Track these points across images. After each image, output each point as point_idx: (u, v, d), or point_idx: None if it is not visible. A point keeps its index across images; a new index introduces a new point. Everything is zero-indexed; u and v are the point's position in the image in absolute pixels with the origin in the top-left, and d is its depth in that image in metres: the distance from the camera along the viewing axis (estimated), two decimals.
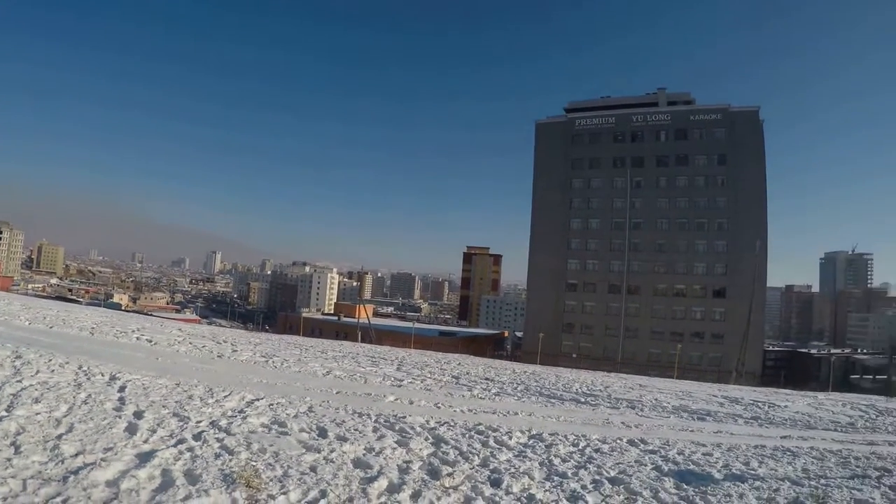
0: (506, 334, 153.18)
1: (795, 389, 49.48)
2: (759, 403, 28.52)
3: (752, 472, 12.11)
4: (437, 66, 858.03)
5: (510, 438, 13.09)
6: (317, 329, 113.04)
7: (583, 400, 23.96)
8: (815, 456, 14.80)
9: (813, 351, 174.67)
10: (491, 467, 10.36)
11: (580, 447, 13.03)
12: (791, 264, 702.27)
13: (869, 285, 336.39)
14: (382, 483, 8.62)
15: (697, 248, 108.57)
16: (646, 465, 11.77)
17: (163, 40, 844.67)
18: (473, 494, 8.63)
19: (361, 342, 66.62)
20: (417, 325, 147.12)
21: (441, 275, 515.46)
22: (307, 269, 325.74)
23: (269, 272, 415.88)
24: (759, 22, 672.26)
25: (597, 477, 10.38)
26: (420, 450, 11.08)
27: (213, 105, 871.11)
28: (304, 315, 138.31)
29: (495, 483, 9.36)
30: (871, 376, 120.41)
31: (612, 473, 10.78)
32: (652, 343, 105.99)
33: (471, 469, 10.12)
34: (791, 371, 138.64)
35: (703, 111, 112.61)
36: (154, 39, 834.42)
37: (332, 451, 10.12)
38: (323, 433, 11.51)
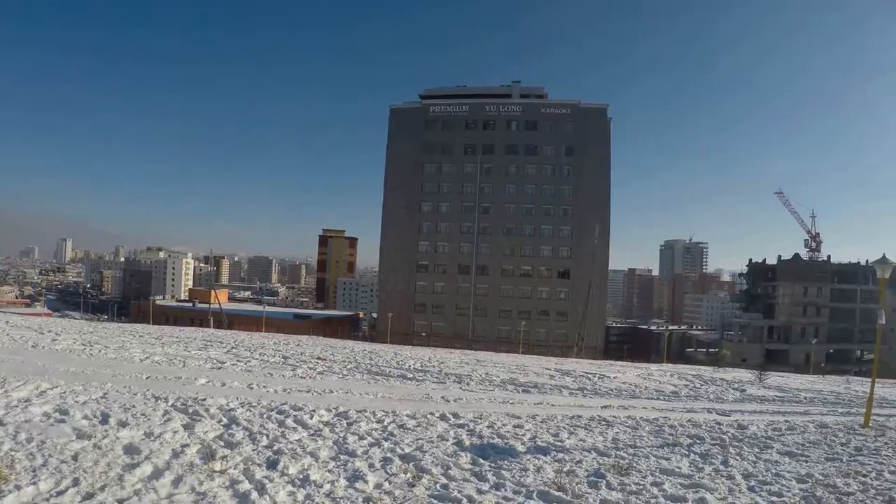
0: (361, 315, 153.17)
1: (635, 362, 51.01)
2: (590, 375, 28.76)
3: (559, 443, 11.53)
4: (292, 40, 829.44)
5: (311, 418, 12.06)
6: (171, 317, 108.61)
7: (410, 376, 23.39)
8: (630, 425, 14.44)
9: (653, 327, 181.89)
10: (276, 448, 9.38)
11: (385, 424, 12.16)
12: (634, 250, 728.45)
13: (704, 270, 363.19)
14: (146, 469, 7.68)
15: (544, 232, 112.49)
16: (447, 440, 11.01)
17: None
18: (242, 477, 7.71)
19: (215, 328, 64.44)
20: (274, 308, 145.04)
21: (299, 258, 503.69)
22: (161, 254, 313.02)
23: (122, 259, 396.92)
24: (610, 22, 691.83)
25: (389, 455, 9.53)
26: (205, 433, 10.04)
27: (46, 85, 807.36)
28: (156, 303, 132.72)
29: (272, 465, 8.41)
30: (704, 349, 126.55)
31: (407, 450, 9.95)
32: (501, 321, 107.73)
33: (253, 451, 9.14)
34: (633, 345, 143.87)
35: (554, 105, 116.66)
36: None
37: (104, 438, 9.01)
38: (105, 419, 10.31)
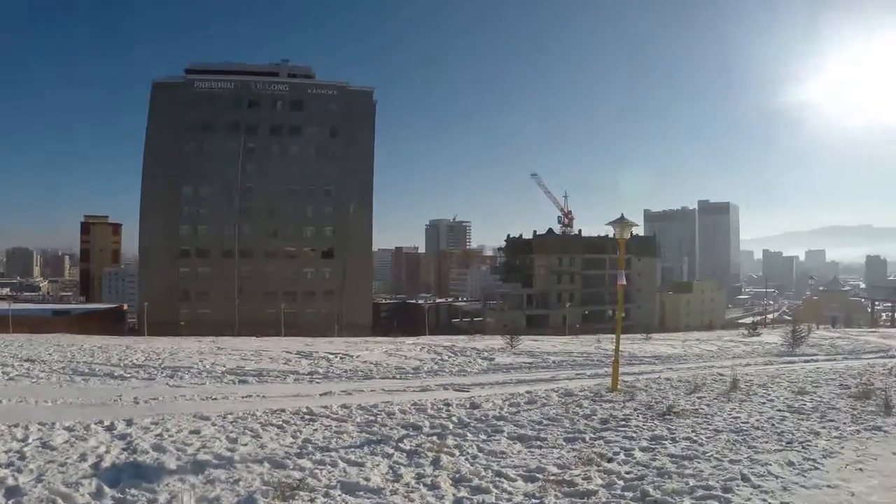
0: (125, 307, 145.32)
1: (404, 335, 50.50)
2: (332, 356, 27.06)
3: (229, 453, 8.79)
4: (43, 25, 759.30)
5: None
6: None
7: (119, 374, 20.21)
8: (338, 417, 11.81)
9: (421, 301, 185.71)
10: None
11: (28, 441, 9.29)
12: (402, 230, 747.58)
13: (468, 247, 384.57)
14: None
15: (307, 212, 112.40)
16: (87, 461, 8.24)
17: None
18: None
19: None
20: (30, 305, 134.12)
21: (63, 248, 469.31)
22: None
23: None
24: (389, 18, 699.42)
25: None
26: None
27: None
28: None
29: None
30: (469, 319, 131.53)
31: (22, 480, 7.24)
32: (267, 304, 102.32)
33: None
34: (403, 319, 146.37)
35: (321, 86, 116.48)
36: None
37: None
38: None
